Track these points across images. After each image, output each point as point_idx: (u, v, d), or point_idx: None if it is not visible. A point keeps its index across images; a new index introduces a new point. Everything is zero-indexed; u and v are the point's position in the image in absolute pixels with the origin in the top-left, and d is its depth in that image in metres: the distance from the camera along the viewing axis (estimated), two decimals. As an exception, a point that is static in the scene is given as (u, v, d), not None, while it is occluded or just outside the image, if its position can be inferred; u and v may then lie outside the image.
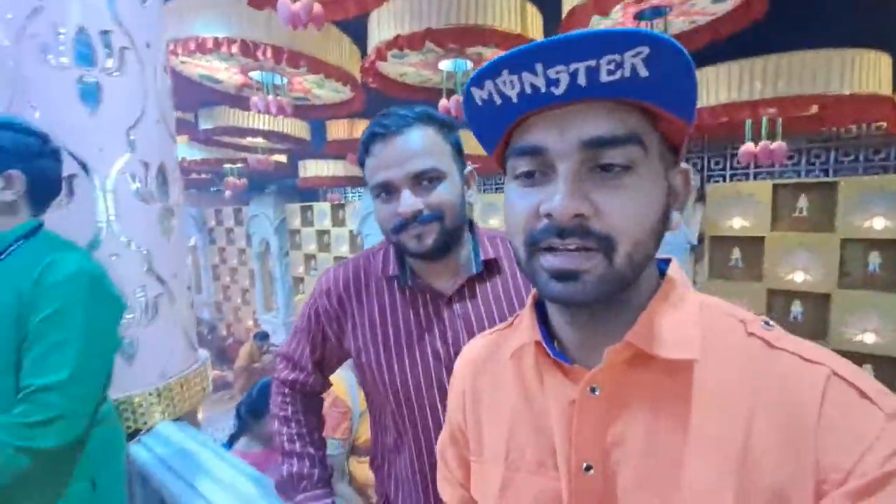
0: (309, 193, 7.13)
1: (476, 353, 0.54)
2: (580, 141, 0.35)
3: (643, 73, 0.32)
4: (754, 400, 0.35)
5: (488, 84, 0.36)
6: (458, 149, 0.77)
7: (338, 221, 6.74)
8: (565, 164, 0.36)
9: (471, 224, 0.83)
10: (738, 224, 3.57)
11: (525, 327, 0.46)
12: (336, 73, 3.23)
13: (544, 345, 0.42)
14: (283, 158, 6.15)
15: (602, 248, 0.35)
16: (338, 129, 4.83)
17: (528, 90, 0.35)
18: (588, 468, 0.39)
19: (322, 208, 6.85)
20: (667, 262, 0.43)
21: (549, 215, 0.36)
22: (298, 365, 0.90)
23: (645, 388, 0.38)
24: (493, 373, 0.50)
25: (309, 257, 7.18)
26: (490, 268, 0.80)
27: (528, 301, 0.47)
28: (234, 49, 3.08)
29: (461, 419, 0.53)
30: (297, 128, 4.86)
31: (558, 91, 0.34)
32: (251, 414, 1.73)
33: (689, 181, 0.41)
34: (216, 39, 3.01)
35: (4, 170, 0.85)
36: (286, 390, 0.92)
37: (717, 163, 3.96)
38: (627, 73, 0.32)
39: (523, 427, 0.45)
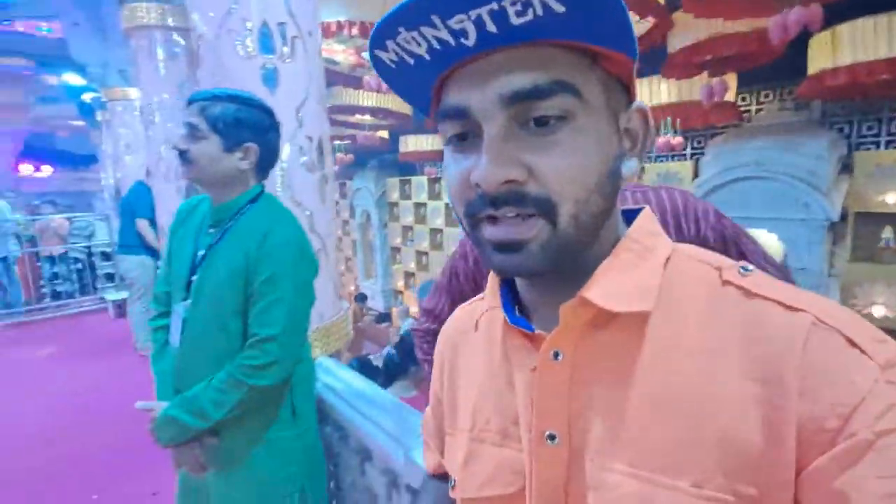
0: (407, 167, 7.45)
1: (456, 322, 0.51)
2: (499, 96, 0.31)
3: (558, 8, 0.28)
4: (727, 354, 0.31)
5: (391, 45, 0.31)
6: None
7: (434, 195, 6.98)
8: (489, 124, 0.32)
9: None
10: (893, 199, 3.10)
11: (490, 293, 0.42)
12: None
13: (503, 312, 0.39)
14: (385, 134, 6.50)
15: (543, 213, 0.32)
16: (439, 104, 4.97)
17: (437, 45, 0.30)
18: (551, 437, 0.35)
19: (419, 182, 7.14)
20: (639, 212, 0.39)
21: (478, 185, 0.32)
22: (439, 318, 1.03)
23: (609, 350, 0.34)
24: (468, 343, 0.47)
25: (406, 229, 7.57)
26: None
27: None
28: (354, 31, 3.31)
29: (439, 390, 0.51)
30: (401, 104, 5.10)
31: (469, 42, 0.30)
32: (412, 361, 1.93)
33: (648, 120, 0.36)
34: (339, 23, 3.26)
35: (245, 142, 1.00)
36: (429, 338, 1.06)
37: (869, 128, 3.42)
38: (541, 12, 0.28)
39: (489, 397, 0.42)
